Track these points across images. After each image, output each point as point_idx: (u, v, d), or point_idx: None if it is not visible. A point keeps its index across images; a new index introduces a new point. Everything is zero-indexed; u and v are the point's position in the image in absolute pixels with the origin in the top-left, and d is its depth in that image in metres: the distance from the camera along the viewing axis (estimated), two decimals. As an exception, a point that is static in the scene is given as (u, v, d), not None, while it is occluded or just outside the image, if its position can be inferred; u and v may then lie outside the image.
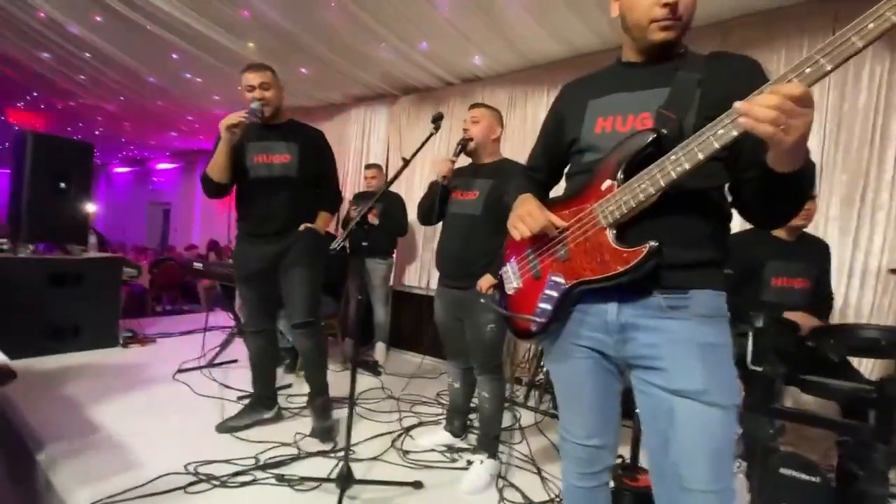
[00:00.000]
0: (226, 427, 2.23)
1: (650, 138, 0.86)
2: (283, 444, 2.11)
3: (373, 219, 3.23)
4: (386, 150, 4.64)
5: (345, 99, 4.89)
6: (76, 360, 3.10)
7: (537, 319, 1.00)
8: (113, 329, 3.53)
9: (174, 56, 4.10)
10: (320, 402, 2.26)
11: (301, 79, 4.37)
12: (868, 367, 2.39)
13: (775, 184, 0.78)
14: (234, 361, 3.33)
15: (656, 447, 0.90)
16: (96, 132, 8.24)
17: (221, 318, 4.52)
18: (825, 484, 1.37)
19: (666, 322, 0.88)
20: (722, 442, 0.86)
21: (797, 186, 0.79)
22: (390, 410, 2.67)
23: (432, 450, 2.20)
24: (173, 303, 6.51)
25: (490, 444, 2.02)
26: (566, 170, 1.12)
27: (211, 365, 3.20)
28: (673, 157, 0.82)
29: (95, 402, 2.41)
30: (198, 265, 3.20)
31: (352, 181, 4.93)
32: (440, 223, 2.16)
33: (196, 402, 2.59)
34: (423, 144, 1.96)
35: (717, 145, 0.76)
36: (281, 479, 1.81)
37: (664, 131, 0.87)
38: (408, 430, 2.41)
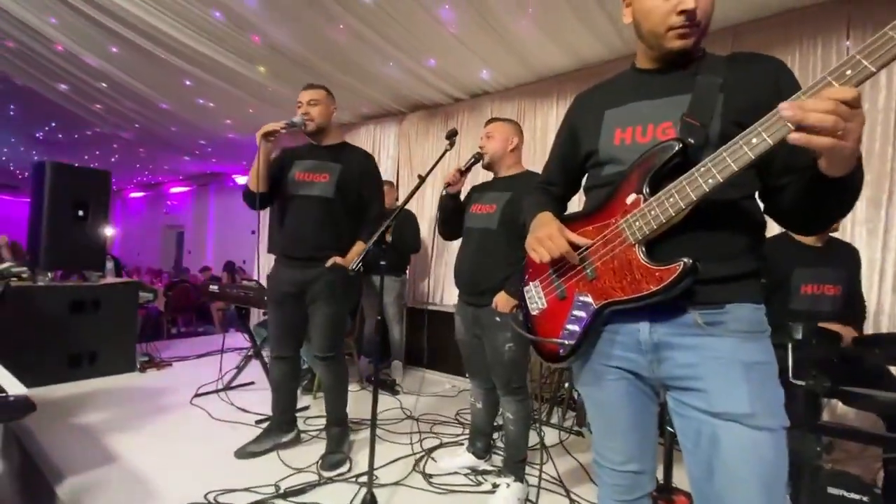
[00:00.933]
0: (245, 452, 2.19)
1: (676, 148, 0.83)
2: (304, 471, 2.06)
3: (387, 235, 3.22)
4: (396, 166, 4.65)
5: (354, 117, 4.93)
6: (94, 387, 3.11)
7: (566, 342, 0.95)
8: (130, 354, 3.54)
9: (187, 83, 4.19)
10: (336, 433, 2.21)
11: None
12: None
13: (826, 189, 0.74)
14: (251, 384, 3.30)
15: (700, 475, 0.84)
16: (112, 159, 8.43)
17: (237, 339, 4.53)
18: (875, 503, 1.28)
19: (704, 339, 0.83)
20: (774, 468, 0.79)
21: (850, 189, 0.75)
22: (410, 431, 2.61)
23: (456, 473, 2.14)
24: (188, 325, 6.55)
25: (516, 467, 1.96)
26: (584, 183, 1.09)
27: (228, 388, 3.18)
28: (703, 169, 0.77)
29: (114, 431, 2.39)
30: (213, 288, 3.20)
31: (363, 199, 4.94)
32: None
33: (214, 428, 2.56)
34: (438, 161, 1.96)
35: (751, 155, 0.72)
36: (302, 507, 1.76)
37: (691, 140, 0.83)
38: (429, 451, 2.35)
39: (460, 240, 2.11)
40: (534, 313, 1.05)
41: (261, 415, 2.68)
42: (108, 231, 3.74)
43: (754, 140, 0.72)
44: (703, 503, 0.85)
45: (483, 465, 2.20)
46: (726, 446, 0.80)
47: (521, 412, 1.96)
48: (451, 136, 1.91)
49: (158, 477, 1.94)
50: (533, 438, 2.50)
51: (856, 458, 1.99)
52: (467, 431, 2.43)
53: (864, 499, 1.30)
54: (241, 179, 9.10)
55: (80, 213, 3.40)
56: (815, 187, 0.76)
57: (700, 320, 0.83)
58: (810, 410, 1.32)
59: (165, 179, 10.90)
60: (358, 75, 3.82)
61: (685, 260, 0.79)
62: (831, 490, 1.32)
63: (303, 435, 2.45)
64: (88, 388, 3.09)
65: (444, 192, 2.04)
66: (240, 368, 3.30)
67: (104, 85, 4.49)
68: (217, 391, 3.11)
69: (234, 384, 3.24)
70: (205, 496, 1.79)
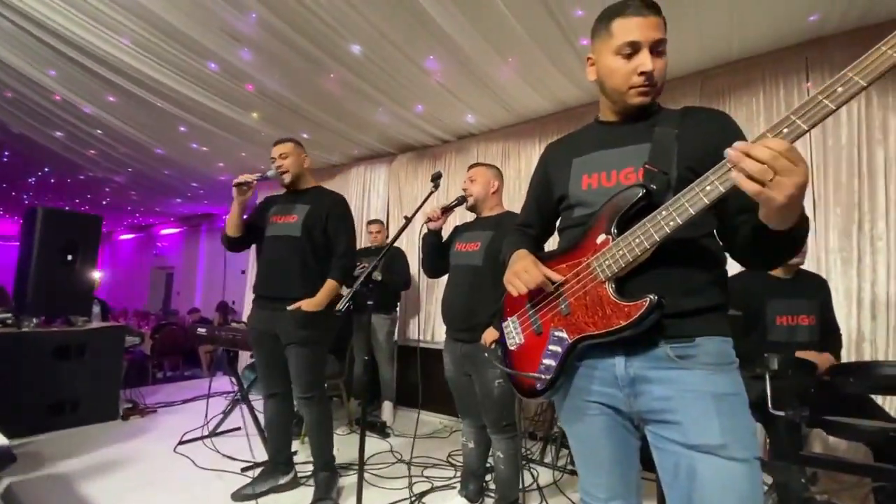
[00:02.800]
0: (241, 496, 2.14)
1: (641, 193, 0.89)
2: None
3: (376, 274, 3.25)
4: (386, 205, 4.74)
5: (345, 159, 5.06)
6: (75, 436, 3.01)
7: (542, 376, 0.98)
8: (113, 401, 3.45)
9: (182, 129, 4.30)
10: (323, 478, 2.16)
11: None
12: (892, 405, 2.31)
13: (768, 237, 0.80)
14: (237, 429, 3.22)
15: None
16: (104, 202, 8.47)
17: (224, 383, 4.43)
18: (869, 537, 1.27)
19: (676, 373, 0.87)
20: (748, 498, 0.81)
21: (789, 242, 0.81)
22: (401, 476, 2.54)
23: (447, 517, 2.08)
24: (175, 368, 6.39)
25: (507, 508, 1.92)
26: (558, 224, 1.15)
27: (213, 434, 3.09)
28: (664, 213, 0.84)
29: (94, 482, 2.31)
30: (201, 330, 3.17)
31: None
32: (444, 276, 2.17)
33: (198, 476, 2.47)
34: (423, 202, 2.02)
35: (706, 201, 0.79)
36: (288, 559, 1.70)
37: (653, 186, 0.90)
38: (421, 496, 2.28)
39: (445, 277, 2.15)
40: (512, 348, 1.08)
41: (247, 462, 2.61)
42: (96, 275, 3.73)
43: (708, 187, 0.79)
44: None
45: (476, 509, 2.14)
46: (703, 479, 0.82)
47: (510, 450, 1.94)
48: (436, 178, 1.99)
49: (138, 531, 1.87)
50: (528, 479, 2.45)
51: (848, 488, 1.98)
52: (459, 474, 2.38)
53: (855, 531, 1.29)
54: (232, 220, 9.14)
55: (69, 257, 3.40)
56: (758, 233, 0.82)
57: (672, 354, 0.87)
58: (792, 441, 1.33)
59: (156, 221, 10.92)
60: (348, 121, 3.97)
61: (651, 297, 0.84)
62: (821, 523, 1.31)
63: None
64: (69, 437, 2.99)
65: (425, 230, 2.10)
66: (226, 413, 3.22)
67: (99, 132, 4.60)
68: (202, 437, 3.02)
69: (219, 430, 3.16)
70: (186, 551, 1.72)
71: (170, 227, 10.87)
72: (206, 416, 3.13)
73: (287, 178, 2.23)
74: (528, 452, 2.86)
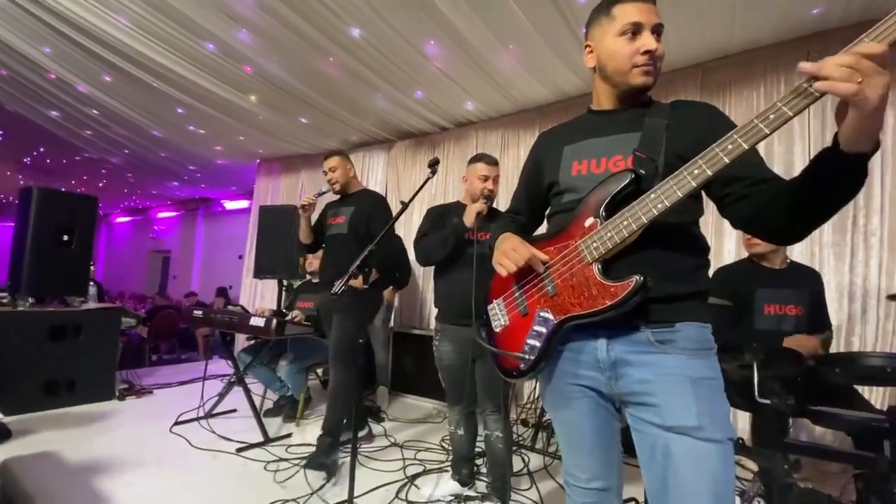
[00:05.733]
0: (316, 464, 2.28)
1: (629, 178, 0.91)
2: (286, 501, 2.02)
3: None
4: (384, 192, 4.73)
5: (343, 145, 5.04)
6: (71, 415, 3.03)
7: (526, 357, 1.00)
8: (109, 382, 3.46)
9: (179, 110, 4.27)
10: (326, 442, 2.34)
11: (301, 128, 4.53)
12: (876, 396, 2.35)
13: (840, 169, 0.72)
14: (233, 411, 3.25)
15: (656, 488, 0.88)
16: (100, 184, 8.42)
17: (221, 366, 4.46)
18: (848, 522, 1.31)
19: (656, 357, 0.89)
20: (722, 479, 0.84)
21: (861, 174, 0.72)
22: (394, 458, 2.58)
23: (439, 500, 2.11)
24: (171, 351, 6.42)
25: (502, 490, 1.95)
26: (547, 211, 1.16)
27: (209, 416, 3.12)
28: (653, 196, 0.85)
29: (91, 461, 2.33)
30: (197, 313, 3.18)
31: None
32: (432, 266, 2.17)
33: (193, 456, 2.50)
34: (420, 188, 2.02)
35: (694, 184, 0.81)
36: (281, 536, 1.73)
37: (642, 171, 0.91)
38: (412, 478, 2.32)
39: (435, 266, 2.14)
40: (497, 330, 1.09)
41: (242, 443, 2.64)
42: (91, 259, 3.72)
43: (696, 171, 0.82)
44: None
45: (467, 492, 2.18)
46: (678, 459, 0.84)
47: (507, 430, 1.99)
48: (434, 164, 1.98)
49: (134, 507, 1.90)
50: (519, 464, 2.50)
51: (834, 477, 2.02)
52: (451, 458, 2.41)
53: (835, 517, 1.33)
54: (229, 204, 9.12)
55: (65, 237, 3.39)
56: (829, 173, 0.73)
57: (652, 338, 0.89)
58: (777, 428, 1.36)
59: (153, 204, 10.87)
60: (347, 106, 3.94)
61: (637, 277, 0.86)
62: (803, 508, 1.35)
63: (285, 463, 2.41)
64: (65, 415, 3.01)
65: (466, 225, 2.01)
66: (222, 395, 3.25)
67: (95, 112, 4.56)
68: (198, 419, 3.05)
69: (215, 412, 3.19)
70: (181, 526, 1.75)
71: (167, 210, 10.82)
72: (202, 397, 3.16)
73: (337, 188, 2.65)
74: (520, 438, 2.90)
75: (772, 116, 0.73)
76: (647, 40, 0.95)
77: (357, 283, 2.30)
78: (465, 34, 2.76)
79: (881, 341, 2.43)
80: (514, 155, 3.89)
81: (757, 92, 2.90)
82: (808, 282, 2.00)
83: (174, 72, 3.43)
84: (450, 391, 2.16)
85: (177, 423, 2.95)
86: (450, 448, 2.70)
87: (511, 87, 3.44)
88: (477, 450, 2.30)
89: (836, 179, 0.74)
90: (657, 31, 0.97)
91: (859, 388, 1.91)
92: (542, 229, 1.18)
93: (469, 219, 1.99)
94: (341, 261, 2.38)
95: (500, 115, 3.99)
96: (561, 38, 2.76)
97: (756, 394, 1.41)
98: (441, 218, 2.17)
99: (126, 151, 5.86)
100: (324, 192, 2.67)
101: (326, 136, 4.80)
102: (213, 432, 2.84)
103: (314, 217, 2.74)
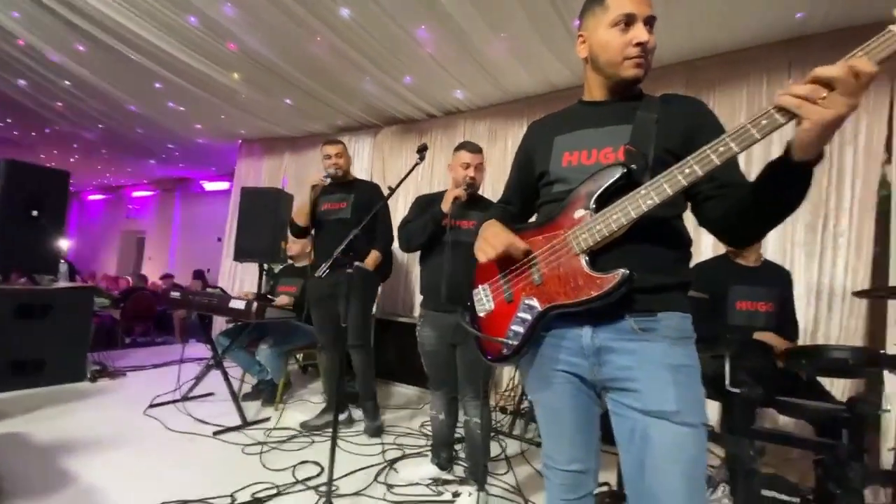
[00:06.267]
0: (308, 427, 2.66)
1: (621, 172, 0.92)
2: (259, 483, 2.02)
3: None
4: (370, 178, 4.69)
5: (329, 129, 4.96)
6: (41, 396, 2.95)
7: (509, 342, 1.02)
8: (81, 363, 3.38)
9: (158, 86, 4.12)
10: (370, 405, 2.76)
11: (285, 109, 4.43)
12: (838, 388, 2.47)
13: (789, 181, 0.77)
14: (211, 395, 3.21)
15: (632, 470, 0.91)
16: (71, 159, 8.09)
17: (197, 349, 4.39)
18: (806, 505, 1.39)
19: (639, 344, 0.92)
20: (694, 461, 0.87)
21: (805, 183, 0.78)
22: (374, 443, 2.60)
23: (418, 483, 2.14)
24: (146, 334, 6.27)
25: (480, 472, 1.99)
26: (538, 201, 1.16)
27: (185, 399, 3.08)
28: (643, 192, 0.87)
29: (61, 442, 2.28)
30: (175, 294, 3.11)
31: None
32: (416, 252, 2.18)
33: (168, 439, 2.47)
34: (407, 174, 2.01)
35: (685, 183, 0.83)
36: (259, 517, 1.73)
37: (634, 166, 0.93)
38: (392, 462, 2.35)
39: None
40: (481, 314, 1.10)
41: (219, 426, 2.62)
42: (64, 235, 3.60)
43: (687, 170, 0.83)
44: (636, 498, 0.91)
45: (445, 476, 2.21)
46: (655, 442, 0.88)
47: (486, 415, 2.02)
48: (422, 150, 1.97)
49: (107, 490, 1.87)
50: (497, 449, 2.55)
51: (797, 464, 2.13)
52: (430, 443, 2.44)
53: (795, 501, 1.40)
54: (209, 185, 8.89)
55: (34, 213, 3.26)
56: (780, 179, 0.79)
57: (636, 326, 0.92)
58: (745, 416, 1.43)
59: (128, 182, 10.51)
60: (334, 88, 3.87)
61: (623, 270, 0.88)
62: (765, 492, 1.42)
63: (265, 446, 2.41)
64: (35, 396, 2.93)
65: (441, 211, 2.03)
66: (199, 379, 3.20)
67: (67, 83, 4.36)
68: (174, 402, 3.01)
69: (192, 395, 3.14)
70: (157, 507, 1.73)
71: (142, 189, 10.49)
72: (178, 380, 3.11)
73: (339, 174, 2.73)
74: (499, 424, 2.95)
75: (764, 122, 0.75)
76: (639, 32, 0.96)
77: (370, 260, 2.64)
78: (458, 20, 2.73)
79: (843, 337, 2.55)
80: (501, 146, 3.89)
81: (741, 92, 2.96)
82: (779, 281, 2.08)
83: (153, 44, 3.31)
84: (432, 377, 2.18)
85: (151, 406, 2.90)
86: (430, 433, 2.73)
87: (501, 76, 3.43)
88: (457, 435, 2.33)
89: (788, 186, 0.79)
90: (650, 22, 0.97)
91: (824, 382, 2.01)
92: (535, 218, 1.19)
93: (445, 205, 2.01)
94: (350, 243, 2.47)
95: (489, 105, 3.98)
96: (553, 30, 2.76)
97: (727, 383, 1.47)
98: (427, 206, 2.18)
99: (100, 126, 5.63)
100: (330, 176, 2.72)
101: (311, 119, 4.71)
102: (190, 415, 2.81)
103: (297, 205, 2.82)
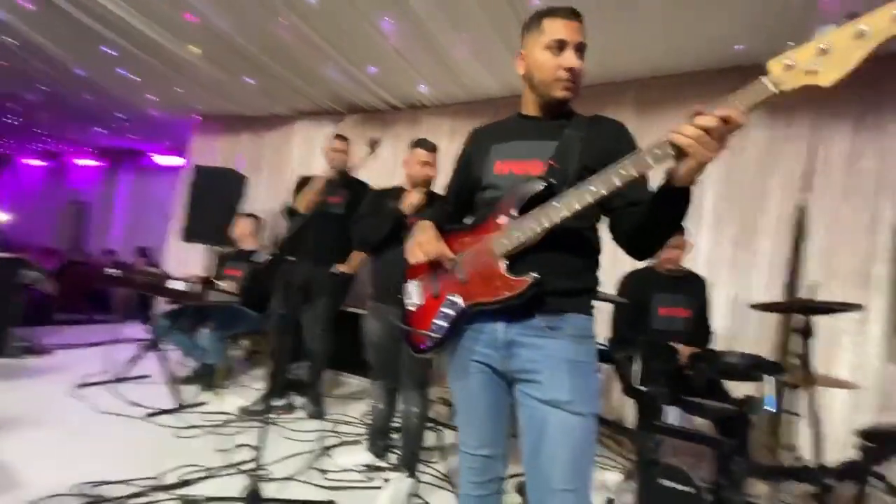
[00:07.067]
0: (247, 411, 2.64)
1: (540, 186, 1.01)
2: (189, 465, 2.00)
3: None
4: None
5: (290, 112, 4.86)
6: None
7: (433, 335, 1.10)
8: (4, 338, 3.19)
9: (109, 51, 3.90)
10: (314, 393, 2.87)
11: (245, 88, 4.31)
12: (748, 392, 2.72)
13: (672, 200, 0.89)
14: (146, 377, 3.12)
15: (530, 454, 1.01)
16: (7, 119, 7.49)
17: (136, 330, 4.22)
18: (697, 494, 1.54)
19: (544, 340, 1.01)
20: (581, 445, 0.98)
21: (684, 208, 0.90)
22: (312, 430, 2.62)
23: (352, 469, 2.19)
24: (82, 312, 5.94)
25: (412, 460, 2.05)
26: (473, 203, 1.23)
27: (118, 380, 2.98)
28: (556, 204, 0.96)
29: (-27, 418, 2.17)
30: (114, 272, 3.00)
31: (290, 193, 4.86)
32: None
33: (96, 420, 2.40)
34: (357, 168, 2.03)
35: (590, 199, 0.92)
36: (184, 499, 1.73)
37: (553, 181, 1.01)
38: (328, 449, 2.38)
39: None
40: (410, 308, 1.18)
41: (153, 409, 2.56)
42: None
43: (593, 188, 0.92)
44: (531, 479, 1.01)
45: (379, 463, 2.27)
46: (549, 428, 0.97)
47: (423, 406, 2.08)
48: (374, 143, 2.01)
49: (24, 466, 1.81)
50: (433, 439, 2.62)
51: (696, 457, 2.32)
52: (369, 433, 2.49)
53: (688, 489, 1.55)
54: (160, 160, 8.49)
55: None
56: (664, 200, 0.91)
57: (544, 324, 1.01)
58: (650, 412, 1.57)
59: (70, 149, 9.84)
60: (296, 71, 3.81)
61: (534, 274, 0.97)
62: (663, 482, 1.57)
63: (198, 430, 2.38)
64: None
65: (401, 210, 2.04)
66: (134, 360, 3.10)
67: (9, 39, 4.05)
68: (106, 382, 2.90)
69: (126, 376, 3.04)
70: (74, 486, 1.69)
71: (86, 158, 9.86)
72: (112, 360, 3.00)
73: (340, 167, 2.72)
74: (437, 415, 3.04)
75: (657, 152, 0.85)
76: (569, 57, 1.05)
77: (346, 268, 2.89)
78: (421, 15, 2.77)
79: (755, 345, 2.79)
80: (462, 144, 3.95)
81: (684, 114, 3.15)
82: (697, 289, 2.28)
83: (105, 7, 3.14)
84: (375, 367, 2.23)
85: (81, 386, 2.79)
86: (369, 423, 2.78)
87: (463, 74, 3.49)
88: (395, 425, 2.39)
89: (674, 206, 0.90)
90: (580, 49, 1.06)
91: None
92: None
93: (406, 207, 2.05)
94: (336, 238, 2.66)
95: (453, 102, 4.03)
96: (513, 34, 2.81)
97: (635, 382, 1.61)
98: (380, 201, 2.21)
99: (43, 88, 5.26)
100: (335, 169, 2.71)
101: (272, 100, 4.60)
102: (122, 397, 2.72)
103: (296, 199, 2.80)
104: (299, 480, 2.03)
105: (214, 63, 3.81)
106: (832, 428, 2.50)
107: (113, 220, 9.18)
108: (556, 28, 1.05)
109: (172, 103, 5.20)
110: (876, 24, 0.72)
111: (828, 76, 0.76)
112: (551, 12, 1.08)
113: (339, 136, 2.90)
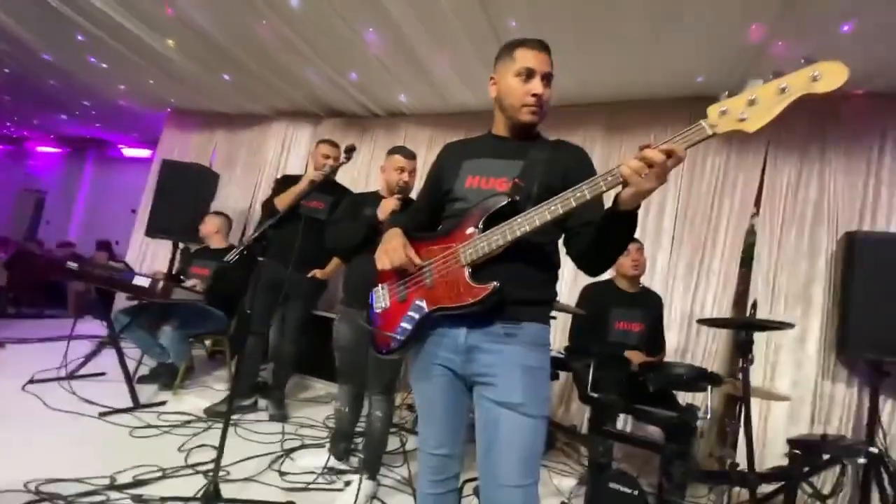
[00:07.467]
0: (213, 412, 2.63)
1: (505, 201, 1.09)
2: (145, 466, 1.95)
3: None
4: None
5: (268, 111, 4.84)
6: None
7: (397, 337, 1.15)
8: (-52, 329, 3.03)
9: (79, 37, 3.81)
10: (280, 395, 2.90)
11: (222, 84, 4.27)
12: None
13: (620, 222, 0.98)
14: (102, 374, 3.02)
15: (483, 452, 1.07)
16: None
17: (92, 327, 4.08)
18: (641, 496, 1.64)
19: (502, 346, 1.08)
20: (530, 445, 1.04)
21: (633, 224, 1.00)
22: (275, 432, 2.60)
23: (312, 472, 2.19)
24: (34, 305, 5.66)
25: (374, 463, 2.08)
26: (443, 213, 1.30)
27: (71, 377, 2.87)
28: (519, 220, 1.04)
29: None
30: (72, 265, 2.89)
31: (263, 193, 4.81)
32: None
33: (48, 417, 2.31)
34: (335, 171, 2.06)
35: (549, 217, 1.00)
36: (138, 499, 1.70)
37: (517, 197, 1.09)
38: (289, 451, 2.37)
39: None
40: (377, 311, 1.23)
41: (107, 408, 2.48)
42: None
43: (552, 207, 1.01)
44: (483, 475, 1.07)
45: (340, 466, 2.28)
46: (502, 428, 1.04)
47: (389, 411, 2.11)
48: (349, 150, 2.05)
49: (-35, 465, 1.74)
50: (397, 443, 2.65)
51: (647, 462, 2.44)
52: (332, 435, 2.49)
53: (633, 492, 1.65)
54: (128, 151, 8.22)
55: None
56: (606, 227, 1.01)
57: (502, 331, 1.08)
58: (602, 418, 1.66)
59: (32, 135, 9.40)
60: (276, 71, 3.81)
61: (495, 283, 1.04)
62: (611, 485, 1.66)
63: (155, 430, 2.33)
64: None
65: (379, 217, 2.06)
66: (90, 356, 3.00)
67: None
68: (58, 379, 2.80)
69: (80, 373, 2.94)
70: (24, 484, 1.64)
71: (48, 145, 9.43)
72: (65, 356, 2.89)
73: (332, 174, 2.66)
74: (403, 421, 3.07)
75: (609, 178, 0.94)
76: (536, 85, 1.14)
77: (331, 267, 2.92)
78: (403, 27, 2.84)
79: (706, 359, 2.97)
80: (438, 154, 4.03)
81: (649, 136, 3.34)
82: (653, 305, 2.42)
83: (79, -5, 3.08)
84: (342, 371, 2.24)
85: (31, 382, 2.68)
86: (332, 426, 2.78)
87: (443, 88, 3.58)
88: (358, 429, 2.40)
89: (620, 227, 1.00)
90: (547, 78, 1.17)
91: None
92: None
93: (382, 214, 2.08)
94: (318, 243, 2.60)
95: (432, 113, 4.11)
96: (491, 52, 2.90)
97: (588, 389, 1.70)
98: (356, 207, 2.24)
99: (6, 70, 5.05)
100: (325, 176, 2.63)
101: (249, 98, 4.57)
102: (75, 394, 2.64)
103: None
104: (258, 482, 2.02)
105: (190, 57, 3.77)
106: (772, 437, 2.68)
107: (74, 211, 8.79)
108: (526, 58, 1.15)
109: (144, 95, 5.09)
110: (796, 83, 0.84)
111: (753, 124, 0.87)
112: (523, 43, 1.18)
113: (330, 142, 2.91)
